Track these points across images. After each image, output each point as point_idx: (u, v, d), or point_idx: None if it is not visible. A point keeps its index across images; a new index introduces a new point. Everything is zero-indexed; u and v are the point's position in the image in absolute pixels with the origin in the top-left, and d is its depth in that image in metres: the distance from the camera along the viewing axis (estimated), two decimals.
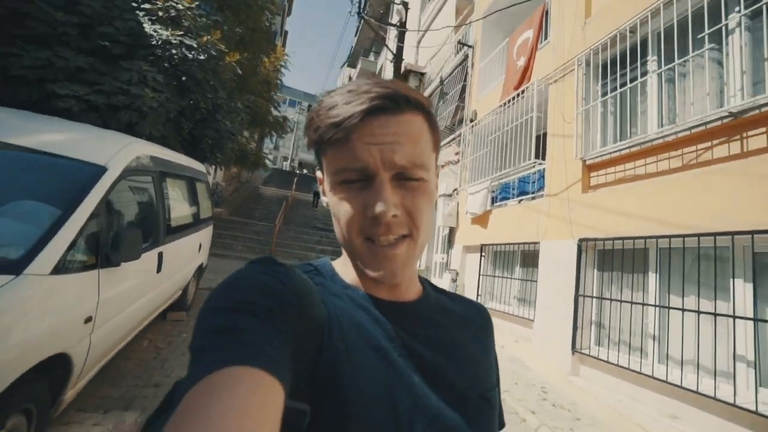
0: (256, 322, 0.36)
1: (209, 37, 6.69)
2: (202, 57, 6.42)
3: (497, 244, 6.28)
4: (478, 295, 6.47)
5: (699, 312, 3.05)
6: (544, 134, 5.51)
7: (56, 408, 1.96)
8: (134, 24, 5.89)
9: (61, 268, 1.80)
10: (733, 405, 2.63)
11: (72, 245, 1.88)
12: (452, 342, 0.53)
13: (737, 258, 2.94)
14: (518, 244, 5.66)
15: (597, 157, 4.33)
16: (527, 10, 6.58)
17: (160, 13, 6.45)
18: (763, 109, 2.83)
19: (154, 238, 2.92)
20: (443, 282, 7.36)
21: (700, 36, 3.36)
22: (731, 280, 2.93)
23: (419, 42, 12.34)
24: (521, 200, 5.77)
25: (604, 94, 4.50)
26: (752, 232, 2.75)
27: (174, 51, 6.08)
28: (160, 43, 5.98)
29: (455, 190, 7.76)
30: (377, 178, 0.43)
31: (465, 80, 8.33)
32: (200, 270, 5.05)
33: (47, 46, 5.09)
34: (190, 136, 6.92)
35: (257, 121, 11.34)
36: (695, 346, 3.06)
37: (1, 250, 1.67)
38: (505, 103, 6.22)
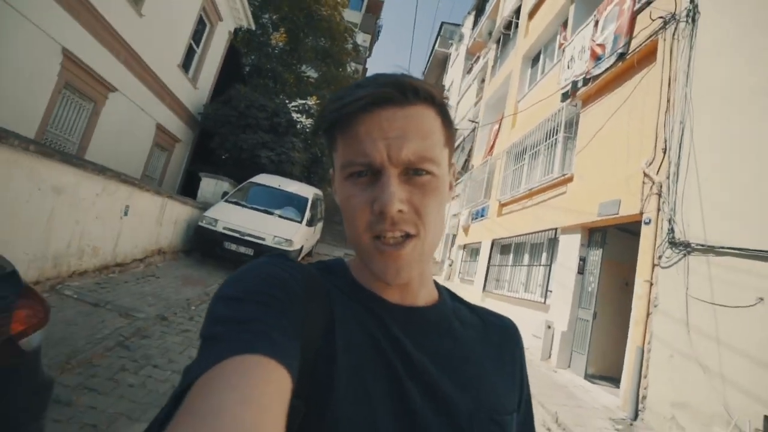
0: (266, 312, 0.37)
1: None
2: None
3: (470, 243, 11.06)
4: (459, 272, 11.26)
5: (521, 265, 7.76)
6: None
7: None
8: (290, 117, 11.75)
9: (306, 223, 7.37)
10: (532, 301, 7.36)
11: (306, 218, 7.42)
12: (463, 356, 0.49)
13: (526, 244, 7.61)
14: (475, 243, 10.42)
15: (504, 199, 9.02)
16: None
17: (299, 107, 12.43)
18: (536, 188, 7.49)
19: (316, 221, 8.46)
20: (444, 267, 12.21)
21: (531, 152, 8.07)
22: (526, 254, 7.60)
23: (457, 104, 17.39)
24: (482, 220, 10.52)
25: (513, 169, 9.20)
26: (528, 234, 7.42)
27: (308, 129, 11.91)
28: (301, 126, 11.82)
29: (455, 214, 12.66)
30: (384, 173, 0.43)
31: (472, 142, 13.22)
32: (317, 242, 10.69)
33: (252, 130, 11.01)
34: (308, 171, 12.76)
35: None
36: (524, 281, 7.76)
37: (295, 218, 7.27)
38: (482, 164, 11.05)
